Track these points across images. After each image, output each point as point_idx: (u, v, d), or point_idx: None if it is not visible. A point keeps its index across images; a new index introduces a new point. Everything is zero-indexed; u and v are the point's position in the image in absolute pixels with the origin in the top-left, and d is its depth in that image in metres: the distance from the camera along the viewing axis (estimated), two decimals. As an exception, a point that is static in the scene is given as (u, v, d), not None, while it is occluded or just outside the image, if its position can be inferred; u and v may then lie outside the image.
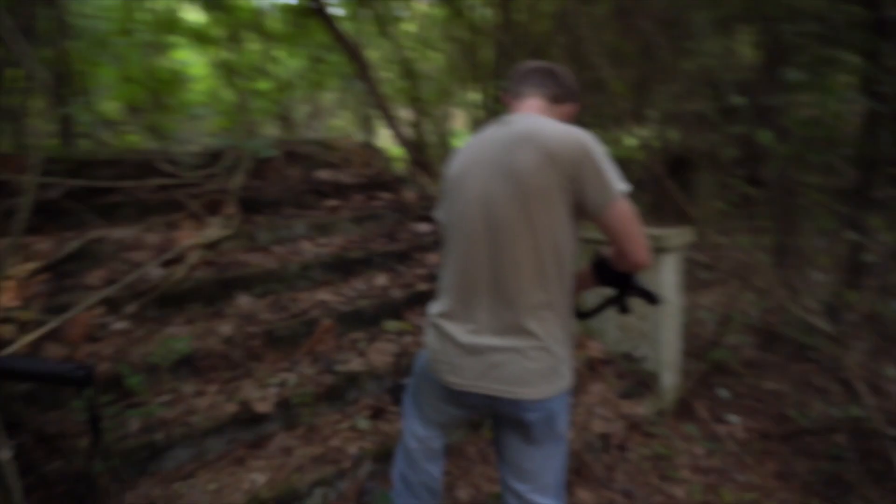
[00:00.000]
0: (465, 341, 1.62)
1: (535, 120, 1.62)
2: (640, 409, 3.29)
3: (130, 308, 2.71)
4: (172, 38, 8.71)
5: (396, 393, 2.85)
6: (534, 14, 6.38)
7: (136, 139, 6.37)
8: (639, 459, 3.09)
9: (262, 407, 2.48)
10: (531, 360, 1.58)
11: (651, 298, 1.74)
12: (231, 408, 2.46)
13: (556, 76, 1.79)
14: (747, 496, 2.85)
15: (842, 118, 3.73)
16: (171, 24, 8.18)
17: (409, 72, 6.55)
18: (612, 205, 1.51)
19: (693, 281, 5.58)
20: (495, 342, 1.59)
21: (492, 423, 1.87)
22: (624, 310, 1.80)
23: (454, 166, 1.73)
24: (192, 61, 9.85)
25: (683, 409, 3.55)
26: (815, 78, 3.10)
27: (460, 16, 6.73)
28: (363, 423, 2.65)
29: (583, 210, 1.57)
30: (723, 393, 3.76)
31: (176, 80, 7.62)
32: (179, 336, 2.67)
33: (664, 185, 4.41)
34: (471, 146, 1.73)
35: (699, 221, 4.10)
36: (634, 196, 1.64)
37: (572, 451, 2.87)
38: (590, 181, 1.51)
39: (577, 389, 3.32)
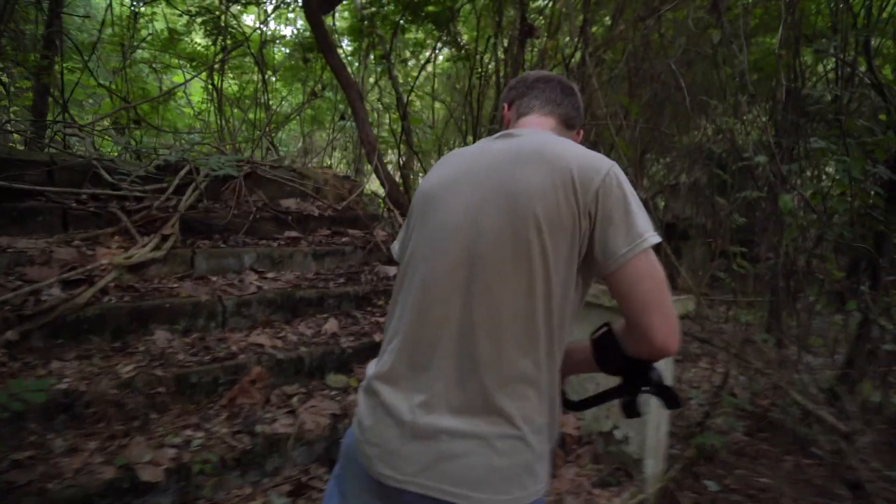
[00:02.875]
0: (410, 418, 1.12)
1: (550, 137, 1.22)
2: (618, 500, 2.71)
3: (10, 334, 2.13)
4: (170, 60, 8.38)
5: None
6: (544, 67, 6.07)
7: (107, 150, 5.88)
8: (613, 565, 2.50)
9: (148, 475, 1.89)
10: (499, 454, 1.09)
11: (671, 400, 1.18)
12: (108, 472, 1.86)
13: (573, 94, 1.38)
14: None
15: (861, 191, 3.30)
16: (168, 44, 7.84)
17: (405, 114, 6.15)
18: (637, 257, 1.05)
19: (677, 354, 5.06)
20: (453, 424, 1.10)
21: None
22: (632, 412, 1.23)
23: (431, 181, 1.26)
24: (191, 86, 9.51)
25: (666, 503, 2.98)
26: (838, 147, 2.67)
27: (468, 60, 6.42)
28: (279, 502, 2.06)
29: (594, 260, 1.12)
30: (711, 485, 3.19)
31: (163, 100, 7.19)
32: (62, 374, 2.10)
33: (676, 251, 3.97)
34: (457, 158, 1.27)
35: (689, 292, 3.61)
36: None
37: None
38: (614, 221, 1.08)
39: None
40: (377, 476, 1.15)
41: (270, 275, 3.14)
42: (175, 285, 2.79)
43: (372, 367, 1.24)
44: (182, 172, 3.41)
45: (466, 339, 1.12)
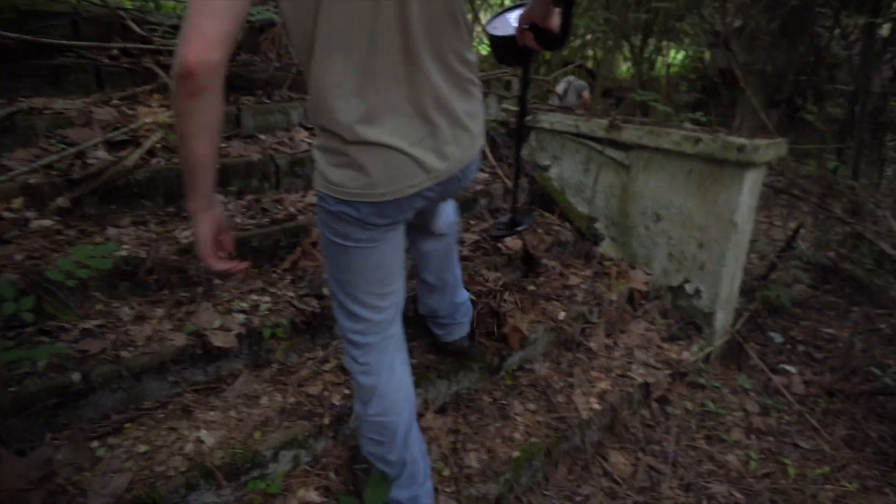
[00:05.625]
0: (435, 115, 1.19)
1: None
2: (687, 354, 2.57)
3: (61, 201, 1.96)
4: None
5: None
6: None
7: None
8: (684, 416, 2.41)
9: (220, 340, 1.78)
10: (479, 101, 1.31)
11: None
12: (179, 339, 1.76)
13: None
14: (817, 470, 2.17)
15: None
16: None
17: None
18: None
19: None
20: (454, 103, 1.21)
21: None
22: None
23: None
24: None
25: (733, 356, 2.84)
26: None
27: None
28: (352, 364, 1.95)
29: None
30: (777, 337, 3.03)
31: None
32: (120, 240, 1.94)
33: (733, 99, 3.49)
34: None
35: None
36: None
37: (608, 406, 2.20)
38: None
39: (615, 328, 2.59)
40: (419, 185, 1.21)
41: (320, 132, 2.86)
42: (224, 145, 2.55)
43: (352, 112, 1.12)
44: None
45: (425, 43, 1.12)
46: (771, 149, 2.39)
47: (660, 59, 7.87)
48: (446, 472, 1.79)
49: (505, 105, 3.25)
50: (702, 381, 2.57)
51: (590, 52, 9.09)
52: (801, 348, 2.98)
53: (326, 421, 1.74)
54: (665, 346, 2.59)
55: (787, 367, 2.79)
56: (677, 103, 5.55)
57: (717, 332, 2.72)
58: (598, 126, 2.83)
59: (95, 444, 1.53)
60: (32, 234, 1.85)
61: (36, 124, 2.20)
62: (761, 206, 4.60)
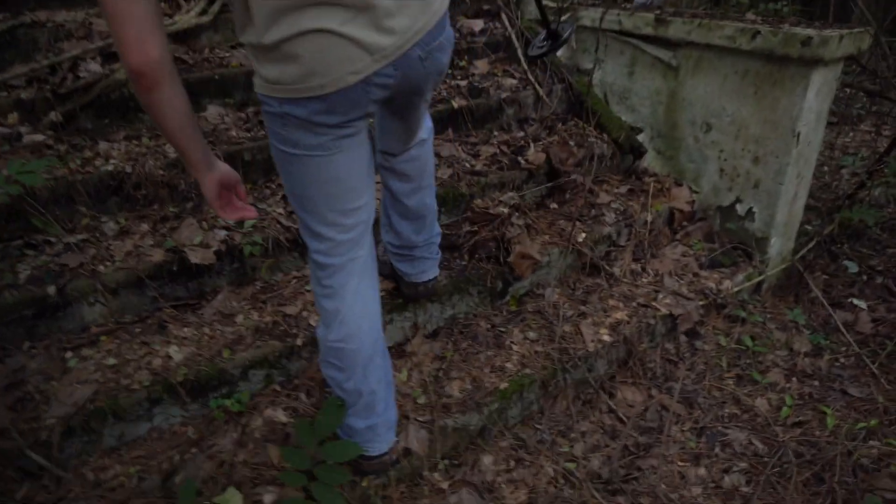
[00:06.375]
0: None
1: None
2: (729, 282, 2.33)
3: (53, 116, 2.00)
4: None
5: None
6: None
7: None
8: (714, 352, 2.22)
9: (198, 257, 1.80)
10: None
11: None
12: (157, 255, 1.79)
13: None
14: (861, 423, 1.94)
15: None
16: None
17: None
18: None
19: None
20: None
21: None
22: None
23: None
24: None
25: (791, 287, 2.55)
26: None
27: None
28: (337, 285, 1.92)
29: None
30: (851, 267, 2.68)
31: None
32: (109, 155, 1.97)
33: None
34: None
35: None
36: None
37: (622, 338, 2.05)
38: None
39: (646, 252, 2.39)
40: (372, 67, 1.10)
41: (332, 37, 2.73)
42: (227, 55, 2.49)
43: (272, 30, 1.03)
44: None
45: None
46: (846, 41, 2.00)
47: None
48: (422, 401, 1.76)
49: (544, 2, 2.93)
50: (742, 313, 2.34)
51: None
52: (878, 280, 2.62)
53: (299, 342, 1.74)
54: (703, 273, 2.36)
55: (857, 302, 2.48)
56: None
57: (772, 259, 2.44)
58: (642, 21, 2.49)
59: (69, 354, 1.62)
60: (23, 149, 1.91)
61: (38, 38, 2.23)
62: (867, 113, 4.00)
